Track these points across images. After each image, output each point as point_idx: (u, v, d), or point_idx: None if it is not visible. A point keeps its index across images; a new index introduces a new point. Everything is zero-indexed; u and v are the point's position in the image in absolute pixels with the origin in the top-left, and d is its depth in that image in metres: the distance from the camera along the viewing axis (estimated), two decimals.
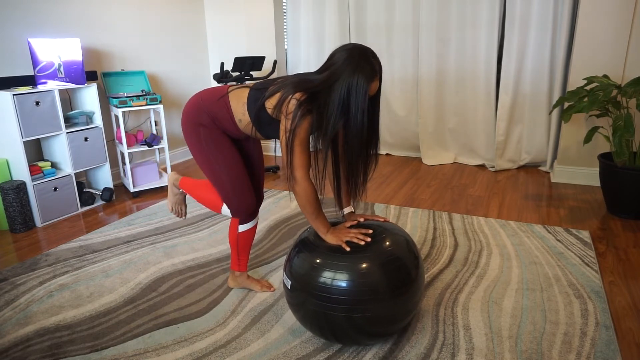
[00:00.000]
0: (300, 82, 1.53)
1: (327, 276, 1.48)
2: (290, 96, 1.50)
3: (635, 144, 3.19)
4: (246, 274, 2.05)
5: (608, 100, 2.74)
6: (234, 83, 3.73)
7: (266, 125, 1.66)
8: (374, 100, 1.57)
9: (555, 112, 3.57)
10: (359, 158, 1.58)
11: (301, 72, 4.57)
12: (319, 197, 1.62)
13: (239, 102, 1.69)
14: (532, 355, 1.58)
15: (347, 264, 1.48)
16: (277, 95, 1.55)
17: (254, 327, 1.78)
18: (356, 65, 1.45)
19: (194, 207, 3.10)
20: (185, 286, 2.11)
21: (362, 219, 1.67)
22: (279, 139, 1.61)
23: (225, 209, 1.90)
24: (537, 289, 1.99)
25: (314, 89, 1.50)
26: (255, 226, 2.00)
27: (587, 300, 1.89)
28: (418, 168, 4.00)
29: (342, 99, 1.46)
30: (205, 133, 1.74)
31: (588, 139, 2.77)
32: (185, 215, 2.18)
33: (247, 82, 1.80)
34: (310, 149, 1.59)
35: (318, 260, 1.52)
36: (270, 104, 1.59)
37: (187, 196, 2.10)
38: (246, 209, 1.84)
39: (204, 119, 1.74)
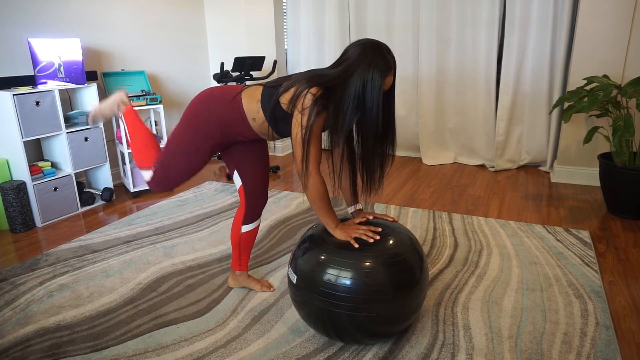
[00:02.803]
0: (315, 76, 1.52)
1: (332, 273, 1.48)
2: (305, 91, 1.49)
3: (635, 144, 3.19)
4: (246, 274, 2.05)
5: (608, 100, 2.74)
6: (234, 83, 3.73)
7: (281, 121, 1.63)
8: (389, 96, 1.57)
9: (555, 112, 3.56)
10: (375, 154, 1.58)
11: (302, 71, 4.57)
12: (333, 196, 1.62)
13: (252, 100, 1.66)
14: (532, 355, 1.58)
15: (353, 262, 1.47)
16: (292, 90, 1.54)
17: (254, 327, 1.78)
18: (371, 60, 1.45)
19: (194, 208, 3.10)
20: (185, 286, 2.11)
21: (371, 217, 1.66)
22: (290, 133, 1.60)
23: (147, 174, 1.81)
24: (537, 289, 1.99)
25: (329, 84, 1.49)
26: (258, 226, 2.00)
27: (587, 300, 1.89)
28: (418, 168, 4.00)
29: (357, 93, 1.46)
30: (203, 125, 1.69)
31: (588, 139, 2.77)
32: (94, 123, 1.96)
33: (259, 81, 1.75)
34: (323, 146, 1.58)
35: (323, 257, 1.52)
36: (285, 99, 1.57)
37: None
38: (163, 184, 1.80)
39: (211, 120, 1.68)
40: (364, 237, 1.52)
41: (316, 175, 1.54)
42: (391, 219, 1.69)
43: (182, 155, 1.73)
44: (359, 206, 1.76)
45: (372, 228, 1.56)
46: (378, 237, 1.53)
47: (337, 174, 1.62)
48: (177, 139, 1.73)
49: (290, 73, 4.66)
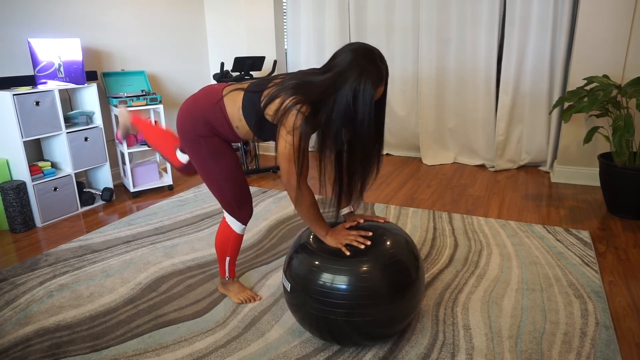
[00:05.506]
0: (301, 86, 1.43)
1: (326, 279, 1.47)
2: (294, 109, 1.40)
3: (635, 144, 3.19)
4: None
5: (608, 100, 2.74)
6: (233, 83, 3.73)
7: (268, 130, 1.59)
8: (380, 105, 1.50)
9: (555, 112, 3.56)
10: (362, 163, 1.52)
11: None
12: (321, 196, 1.62)
13: (234, 106, 1.60)
14: (532, 355, 1.58)
15: (347, 268, 1.47)
16: (277, 102, 1.46)
17: (254, 327, 1.78)
18: (363, 68, 1.36)
19: (194, 207, 3.10)
20: (185, 286, 2.11)
21: (361, 220, 1.65)
22: (275, 140, 1.55)
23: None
24: (537, 289, 1.99)
25: (318, 98, 1.41)
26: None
27: (587, 300, 1.89)
28: (418, 168, 4.00)
29: (348, 105, 1.37)
30: (206, 144, 1.66)
31: (588, 139, 2.77)
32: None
33: (242, 83, 1.72)
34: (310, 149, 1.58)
35: (317, 263, 1.51)
36: (270, 110, 1.50)
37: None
38: (248, 215, 1.82)
39: (202, 128, 1.65)
40: (355, 244, 1.50)
41: (305, 188, 1.51)
42: (382, 220, 1.66)
43: (218, 175, 1.72)
44: (350, 209, 1.72)
45: (363, 233, 1.54)
46: (369, 243, 1.51)
47: (337, 180, 1.61)
48: (202, 170, 1.73)
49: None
